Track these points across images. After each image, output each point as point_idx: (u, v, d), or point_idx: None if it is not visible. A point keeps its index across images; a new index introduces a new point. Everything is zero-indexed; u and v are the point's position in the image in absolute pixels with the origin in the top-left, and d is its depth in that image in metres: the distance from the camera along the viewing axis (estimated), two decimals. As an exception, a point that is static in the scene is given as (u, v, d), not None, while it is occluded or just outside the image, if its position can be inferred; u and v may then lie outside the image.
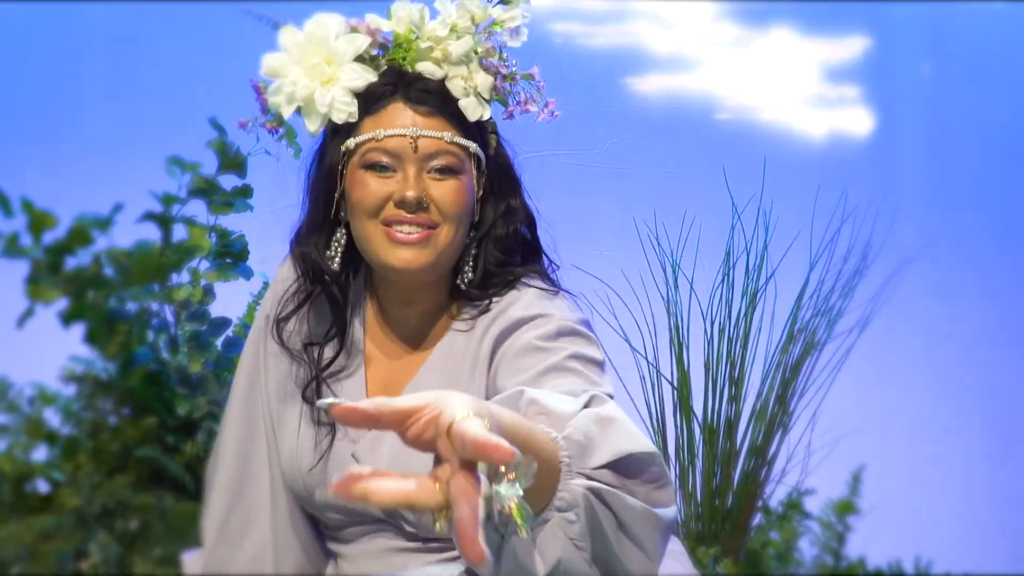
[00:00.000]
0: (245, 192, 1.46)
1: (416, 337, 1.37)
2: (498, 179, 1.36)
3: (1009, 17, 2.79)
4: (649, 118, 2.88)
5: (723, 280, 2.02)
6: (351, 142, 1.31)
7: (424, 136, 1.29)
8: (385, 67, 1.31)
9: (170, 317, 1.49)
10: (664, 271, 2.08)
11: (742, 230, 2.08)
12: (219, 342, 1.54)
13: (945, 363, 2.57)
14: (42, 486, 1.54)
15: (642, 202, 2.37)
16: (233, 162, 1.46)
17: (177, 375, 1.49)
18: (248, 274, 1.51)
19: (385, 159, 1.29)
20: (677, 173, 2.42)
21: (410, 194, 1.28)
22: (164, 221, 1.44)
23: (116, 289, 1.42)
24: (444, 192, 1.30)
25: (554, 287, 1.36)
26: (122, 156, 2.63)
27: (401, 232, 1.28)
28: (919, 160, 2.72)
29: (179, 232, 1.50)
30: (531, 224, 1.40)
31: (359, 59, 1.29)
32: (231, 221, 1.52)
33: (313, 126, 1.30)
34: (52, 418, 1.55)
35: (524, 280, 1.34)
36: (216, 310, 1.55)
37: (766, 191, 2.49)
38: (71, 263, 1.48)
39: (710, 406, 2.03)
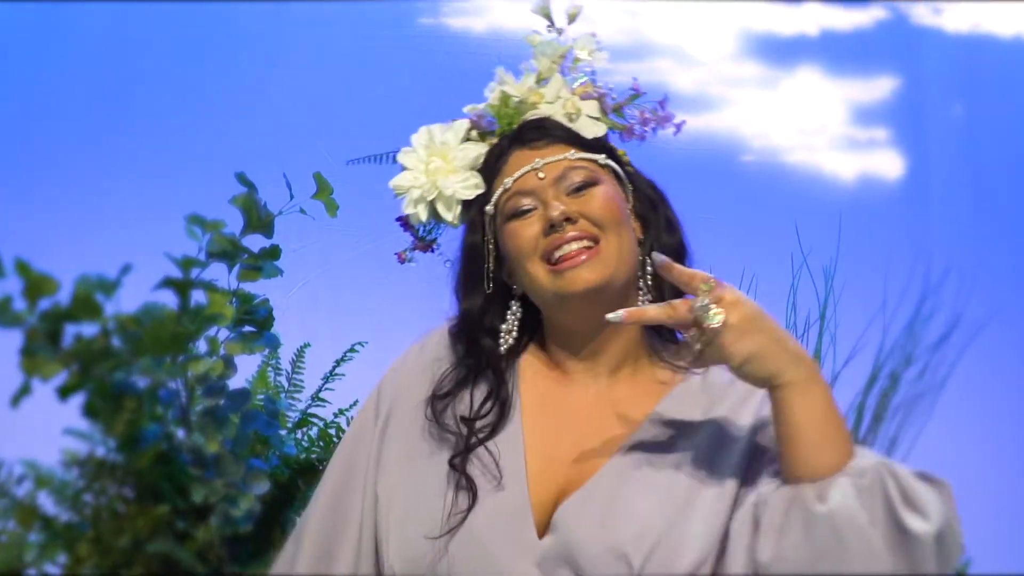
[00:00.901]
0: (273, 253, 1.34)
1: (606, 398, 1.29)
2: (647, 196, 1.35)
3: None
4: (672, 159, 2.76)
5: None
6: (489, 207, 1.33)
7: (548, 163, 1.30)
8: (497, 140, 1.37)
9: (182, 390, 1.35)
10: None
11: (806, 286, 1.96)
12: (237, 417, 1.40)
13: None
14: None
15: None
16: (261, 222, 1.33)
17: (190, 455, 1.35)
18: (275, 344, 1.37)
19: (524, 202, 1.30)
20: (712, 219, 2.30)
21: (554, 213, 1.26)
22: (183, 287, 1.30)
23: (125, 362, 1.28)
24: (588, 204, 1.28)
25: None
26: (121, 210, 2.50)
27: (564, 257, 1.25)
28: (951, 203, 2.62)
29: (195, 295, 1.36)
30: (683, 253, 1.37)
31: (468, 141, 1.37)
32: (255, 284, 1.39)
33: (450, 215, 1.35)
34: (47, 503, 1.40)
35: None
36: (233, 381, 1.41)
37: (794, 234, 2.36)
38: (71, 331, 1.34)
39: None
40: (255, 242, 1.34)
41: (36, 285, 1.26)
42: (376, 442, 1.31)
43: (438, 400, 1.30)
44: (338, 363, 1.61)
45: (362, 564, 1.28)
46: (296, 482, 1.57)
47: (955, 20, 2.70)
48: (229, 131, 2.62)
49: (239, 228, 1.33)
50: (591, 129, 1.33)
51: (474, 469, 1.25)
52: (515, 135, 1.34)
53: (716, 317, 1.13)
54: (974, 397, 2.36)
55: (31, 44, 2.65)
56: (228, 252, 1.31)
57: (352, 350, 1.63)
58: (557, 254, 1.26)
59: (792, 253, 1.95)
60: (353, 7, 2.73)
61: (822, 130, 2.66)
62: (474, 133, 1.36)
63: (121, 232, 2.45)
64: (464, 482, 1.24)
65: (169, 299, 1.42)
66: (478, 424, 1.28)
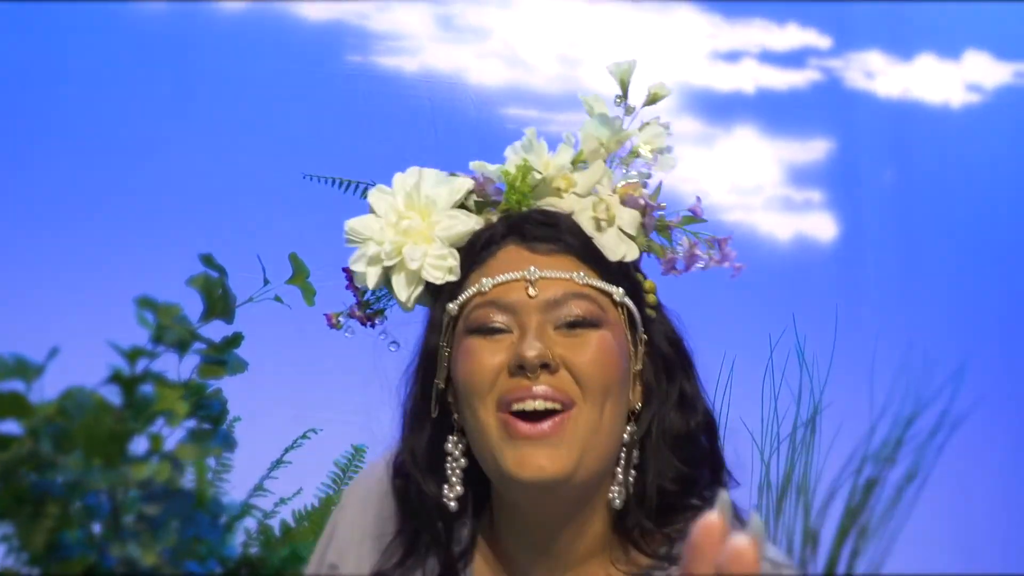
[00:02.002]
0: (235, 342, 1.15)
1: None
2: (664, 354, 0.99)
3: (966, 121, 2.75)
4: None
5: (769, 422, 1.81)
6: (453, 305, 0.97)
7: (545, 278, 0.95)
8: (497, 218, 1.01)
9: (114, 494, 1.17)
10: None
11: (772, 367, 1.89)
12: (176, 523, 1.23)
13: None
14: None
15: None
16: (222, 306, 1.15)
17: (122, 568, 1.16)
18: (231, 445, 1.20)
19: (497, 318, 0.95)
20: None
21: (530, 353, 0.91)
22: (128, 383, 1.12)
23: (50, 462, 1.09)
24: (577, 351, 0.93)
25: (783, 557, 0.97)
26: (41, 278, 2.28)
27: (526, 418, 0.92)
28: (885, 267, 2.62)
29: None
30: (711, 427, 1.00)
31: (461, 207, 1.01)
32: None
33: (405, 294, 0.99)
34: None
35: None
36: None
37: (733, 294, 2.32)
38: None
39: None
40: (213, 330, 1.17)
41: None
42: None
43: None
44: (287, 450, 1.44)
45: None
46: (232, 582, 1.39)
47: (886, 85, 2.72)
48: (146, 169, 2.42)
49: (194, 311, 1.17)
50: (618, 249, 0.98)
51: None
52: (516, 223, 0.98)
53: None
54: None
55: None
56: (183, 340, 1.14)
57: (304, 436, 1.46)
58: (516, 407, 0.92)
59: (769, 332, 1.87)
60: (278, 40, 2.57)
61: (758, 190, 2.64)
62: (472, 198, 1.02)
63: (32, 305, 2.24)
64: None
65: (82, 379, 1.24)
66: None
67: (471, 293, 0.97)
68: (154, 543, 1.18)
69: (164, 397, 1.12)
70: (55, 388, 1.26)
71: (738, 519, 0.88)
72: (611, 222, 0.99)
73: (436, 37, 2.63)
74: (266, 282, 1.13)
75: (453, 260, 0.99)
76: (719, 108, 2.65)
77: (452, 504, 0.97)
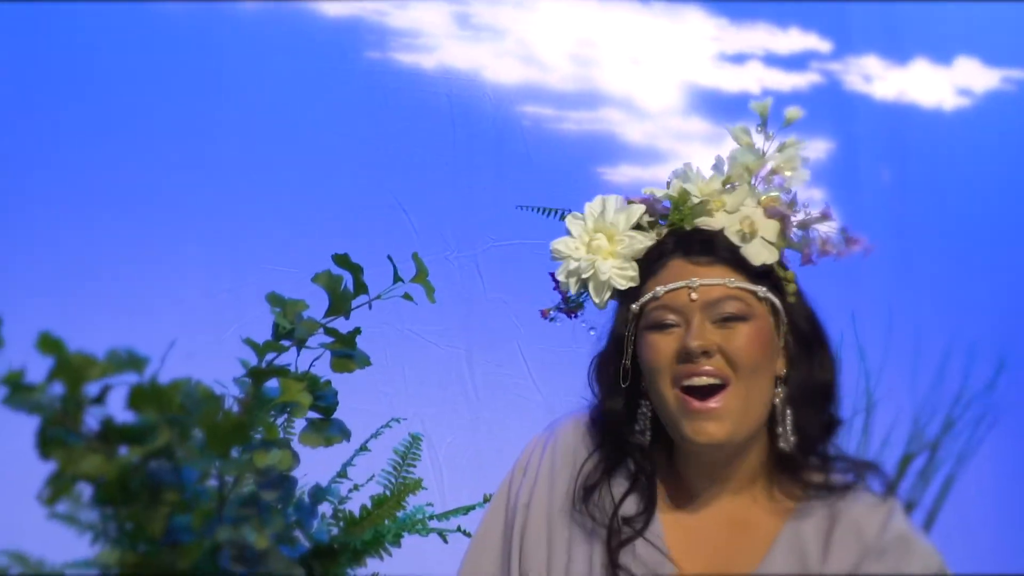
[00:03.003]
0: (355, 336, 1.22)
1: (731, 520, 1.27)
2: (802, 331, 1.27)
3: (958, 123, 2.88)
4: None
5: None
6: (635, 306, 1.28)
7: (704, 285, 1.24)
8: (665, 232, 1.30)
9: (224, 481, 1.22)
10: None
11: None
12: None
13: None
14: None
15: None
16: (344, 305, 1.21)
17: (233, 551, 1.22)
18: (346, 433, 1.25)
19: (669, 316, 1.25)
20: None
21: (693, 343, 1.21)
22: (259, 375, 1.17)
23: (170, 452, 1.15)
24: (732, 340, 1.22)
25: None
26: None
27: (694, 392, 1.21)
28: (881, 264, 2.74)
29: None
30: (837, 390, 1.28)
31: (637, 227, 1.30)
32: (322, 368, 1.28)
33: (598, 298, 1.31)
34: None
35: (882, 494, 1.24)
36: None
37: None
38: (95, 414, 1.19)
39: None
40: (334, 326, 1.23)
41: (73, 367, 1.11)
42: (520, 530, 1.32)
43: (586, 492, 1.29)
44: (373, 436, 1.50)
45: None
46: (311, 567, 1.45)
47: (883, 88, 2.83)
48: (170, 162, 2.45)
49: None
50: (761, 256, 1.25)
51: (626, 558, 1.25)
52: (680, 242, 1.28)
53: None
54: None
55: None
56: (306, 337, 1.19)
57: (387, 425, 1.52)
58: (686, 383, 1.22)
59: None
60: (297, 36, 2.61)
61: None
62: (645, 217, 1.30)
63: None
64: None
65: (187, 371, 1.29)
66: (625, 518, 1.28)
67: (648, 298, 1.27)
68: (265, 527, 1.24)
69: (289, 389, 1.18)
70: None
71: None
72: (754, 234, 1.26)
73: (453, 35, 2.68)
74: (397, 279, 1.19)
75: (633, 271, 1.29)
76: (726, 108, 2.74)
77: (646, 440, 1.28)
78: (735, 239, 1.26)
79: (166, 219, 2.44)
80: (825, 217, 1.32)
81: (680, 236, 1.28)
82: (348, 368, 1.21)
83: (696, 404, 1.21)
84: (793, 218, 1.28)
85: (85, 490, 1.36)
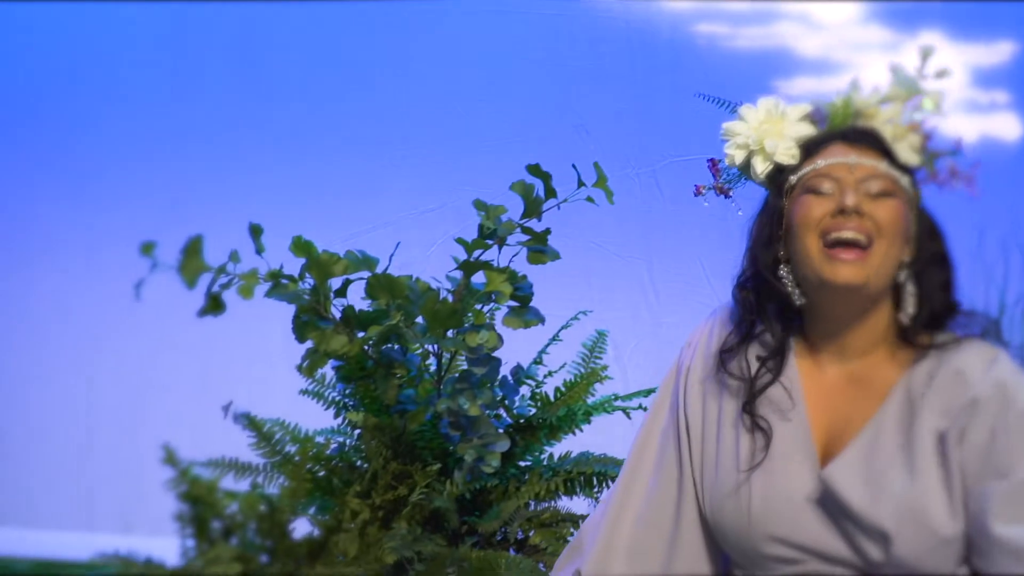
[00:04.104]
0: (547, 236, 1.43)
1: (853, 377, 1.43)
2: (926, 225, 1.45)
3: None
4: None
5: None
6: (793, 178, 1.45)
7: (861, 164, 1.41)
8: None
9: (441, 359, 1.46)
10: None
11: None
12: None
13: None
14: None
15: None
16: (537, 208, 1.42)
17: (450, 417, 1.46)
18: (542, 318, 1.47)
19: (825, 184, 1.42)
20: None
21: (850, 200, 1.38)
22: (469, 268, 1.40)
23: (403, 335, 1.39)
24: (878, 208, 1.40)
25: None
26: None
27: (842, 244, 1.38)
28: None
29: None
30: (949, 283, 1.44)
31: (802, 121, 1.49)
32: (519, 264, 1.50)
33: (760, 168, 1.48)
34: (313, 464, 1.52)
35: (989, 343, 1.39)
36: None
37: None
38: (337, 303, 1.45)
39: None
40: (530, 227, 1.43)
41: (322, 264, 1.36)
42: (683, 395, 1.49)
43: (727, 353, 1.47)
44: (563, 327, 1.72)
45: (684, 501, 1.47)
46: (515, 439, 1.69)
47: (1075, -15, 2.75)
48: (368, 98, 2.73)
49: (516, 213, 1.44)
50: (907, 155, 1.45)
51: (764, 409, 1.42)
52: (844, 131, 1.46)
53: None
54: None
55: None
56: (506, 235, 1.41)
57: (575, 317, 1.74)
58: (834, 235, 1.39)
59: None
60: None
61: (945, 93, 2.73)
62: (808, 118, 1.49)
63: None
64: (759, 423, 1.42)
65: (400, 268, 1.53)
66: (764, 369, 1.45)
67: (809, 168, 1.44)
68: (476, 398, 1.48)
69: (493, 280, 1.40)
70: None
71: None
72: (903, 139, 1.46)
73: (630, -39, 2.80)
74: (581, 184, 1.39)
75: (796, 151, 1.48)
76: (905, 17, 2.75)
77: (797, 297, 1.43)
78: (888, 136, 1.44)
79: (377, 153, 2.74)
80: (955, 151, 1.49)
81: (840, 128, 1.46)
82: (542, 260, 1.42)
83: (841, 253, 1.38)
84: (931, 144, 1.47)
85: (328, 371, 1.64)
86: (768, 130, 1.48)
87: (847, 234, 1.37)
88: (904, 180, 1.43)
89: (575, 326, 1.89)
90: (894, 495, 1.34)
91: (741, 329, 1.47)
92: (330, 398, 1.69)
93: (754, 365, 1.45)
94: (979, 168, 1.46)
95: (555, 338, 1.70)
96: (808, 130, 1.47)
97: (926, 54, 1.53)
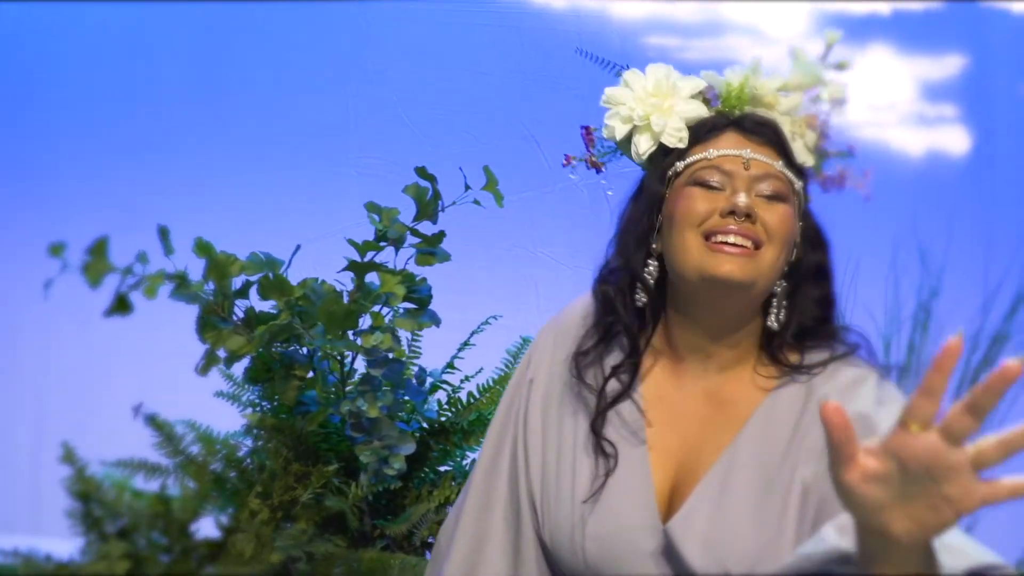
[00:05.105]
0: (440, 238, 1.44)
1: (713, 396, 1.31)
2: (813, 236, 1.35)
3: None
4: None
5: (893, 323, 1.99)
6: (679, 164, 1.32)
7: (756, 159, 1.30)
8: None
9: (343, 361, 1.47)
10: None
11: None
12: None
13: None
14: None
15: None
16: (430, 210, 1.43)
17: (351, 419, 1.47)
18: (437, 320, 1.48)
19: (716, 177, 1.30)
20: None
21: (742, 201, 1.26)
22: (361, 269, 1.41)
23: (299, 335, 1.40)
24: (771, 213, 1.29)
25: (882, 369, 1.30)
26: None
27: (726, 244, 1.26)
28: (1017, 180, 2.71)
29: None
30: (833, 291, 1.35)
31: (694, 99, 1.36)
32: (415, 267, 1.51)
33: (644, 146, 1.34)
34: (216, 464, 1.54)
35: (862, 360, 1.29)
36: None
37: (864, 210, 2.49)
38: (240, 305, 1.46)
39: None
40: (423, 229, 1.45)
41: (219, 265, 1.38)
42: (524, 404, 1.37)
43: (581, 356, 1.33)
44: (473, 333, 1.72)
45: (522, 523, 1.33)
46: (428, 443, 1.69)
47: (1021, 3, 2.76)
48: (321, 106, 2.74)
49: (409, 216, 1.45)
50: (802, 155, 1.35)
51: (612, 429, 1.28)
52: (738, 119, 1.34)
53: None
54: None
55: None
56: (400, 237, 1.42)
57: (486, 322, 1.74)
58: (719, 238, 1.26)
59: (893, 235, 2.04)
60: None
61: (892, 107, 2.75)
62: (701, 96, 1.36)
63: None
64: (604, 447, 1.28)
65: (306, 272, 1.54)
66: (611, 386, 1.31)
67: (699, 157, 1.31)
68: (376, 400, 1.48)
69: (386, 282, 1.41)
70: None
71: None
72: (801, 137, 1.35)
73: (582, -28, 2.82)
74: (467, 188, 1.40)
75: (684, 134, 1.34)
76: (854, 30, 2.77)
77: (641, 302, 1.30)
78: (786, 132, 1.34)
79: (333, 160, 2.76)
80: (848, 152, 1.40)
81: (736, 116, 1.34)
82: (429, 262, 1.43)
83: (726, 247, 1.25)
84: (823, 142, 1.37)
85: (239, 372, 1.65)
86: (656, 105, 1.32)
87: (733, 239, 1.26)
88: (798, 184, 1.32)
89: (500, 331, 1.90)
90: (736, 553, 1.19)
91: (599, 331, 1.33)
92: (247, 400, 1.70)
93: (608, 368, 1.30)
94: (871, 176, 1.39)
95: (466, 344, 1.70)
96: (700, 110, 1.33)
97: (830, 41, 1.46)
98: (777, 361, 1.29)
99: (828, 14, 2.80)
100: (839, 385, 1.26)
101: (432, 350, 1.86)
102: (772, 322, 1.30)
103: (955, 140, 2.75)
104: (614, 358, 1.33)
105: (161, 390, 1.82)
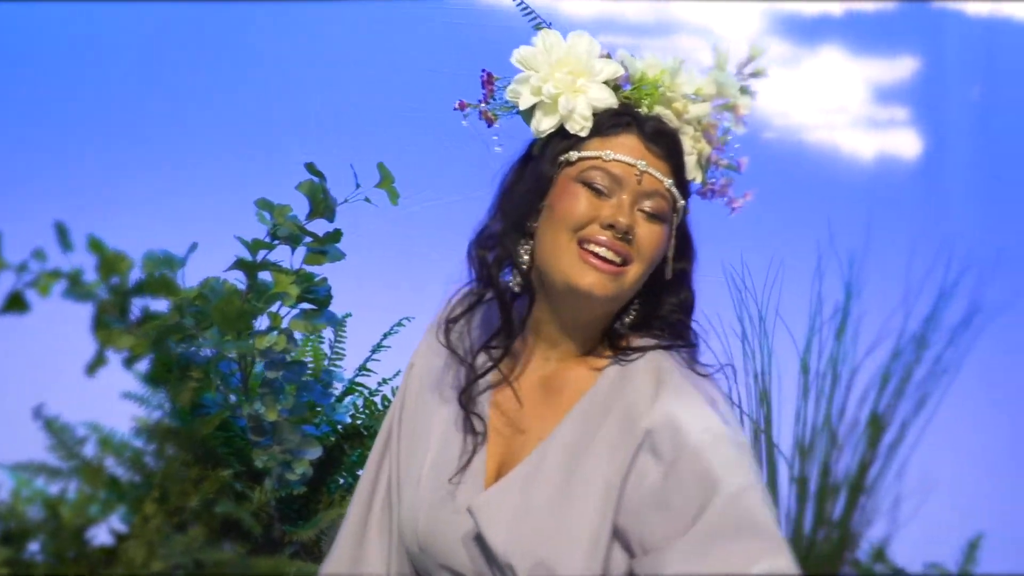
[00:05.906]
0: (335, 237, 1.39)
1: (547, 385, 1.33)
2: (682, 244, 1.35)
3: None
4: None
5: (813, 326, 1.96)
6: (574, 154, 1.30)
7: (650, 174, 1.29)
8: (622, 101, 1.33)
9: (242, 362, 1.42)
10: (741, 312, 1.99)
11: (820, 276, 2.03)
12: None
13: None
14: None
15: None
16: (326, 208, 1.39)
17: (250, 422, 1.43)
18: (334, 321, 1.44)
19: (605, 182, 1.29)
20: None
21: (623, 220, 1.27)
22: (251, 268, 1.37)
23: (192, 335, 1.36)
24: (649, 233, 1.29)
25: (702, 366, 1.33)
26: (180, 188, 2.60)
27: (597, 256, 1.27)
28: (968, 184, 2.68)
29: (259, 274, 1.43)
30: (690, 304, 1.37)
31: (606, 84, 1.33)
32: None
33: (546, 125, 1.30)
34: (113, 466, 1.49)
35: (678, 359, 1.31)
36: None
37: (813, 213, 2.47)
38: (138, 304, 1.41)
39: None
40: (319, 227, 1.40)
41: (109, 262, 1.33)
42: (403, 390, 1.39)
43: (451, 323, 1.35)
44: (386, 335, 1.68)
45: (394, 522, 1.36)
46: (342, 447, 1.65)
47: (975, 3, 2.74)
48: (262, 105, 2.69)
49: (304, 213, 1.40)
50: (692, 172, 1.34)
51: (480, 404, 1.32)
52: (644, 121, 1.32)
53: None
54: (986, 382, 2.44)
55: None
56: (294, 235, 1.37)
57: (399, 324, 1.70)
58: (591, 247, 1.27)
59: (817, 238, 2.01)
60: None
61: (843, 109, 2.72)
62: (614, 83, 1.33)
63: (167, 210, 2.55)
64: (473, 422, 1.32)
65: (211, 272, 1.50)
66: (480, 359, 1.33)
67: (593, 155, 1.29)
68: (275, 403, 1.44)
69: (280, 282, 1.37)
70: (194, 279, 1.53)
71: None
72: (699, 151, 1.32)
73: (531, -31, 2.78)
74: (357, 186, 1.36)
75: (589, 122, 1.30)
76: (806, 30, 2.74)
77: (515, 284, 1.30)
78: (686, 147, 1.32)
79: (274, 158, 2.71)
80: (735, 166, 1.39)
81: (643, 117, 1.31)
82: (319, 261, 1.39)
83: (594, 259, 1.27)
84: (714, 153, 1.36)
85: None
86: (567, 82, 1.28)
87: (606, 253, 1.27)
88: (680, 203, 1.32)
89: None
90: (534, 541, 1.22)
91: (470, 298, 1.33)
92: (156, 402, 1.65)
93: (477, 346, 1.32)
94: (750, 198, 1.37)
95: (379, 346, 1.66)
96: (609, 99, 1.30)
97: (755, 53, 1.43)
98: (613, 347, 1.33)
99: (781, 14, 2.76)
100: (644, 380, 1.28)
101: (360, 353, 1.82)
102: (620, 326, 1.33)
103: (907, 143, 2.72)
104: (484, 329, 1.35)
105: (71, 391, 1.77)
